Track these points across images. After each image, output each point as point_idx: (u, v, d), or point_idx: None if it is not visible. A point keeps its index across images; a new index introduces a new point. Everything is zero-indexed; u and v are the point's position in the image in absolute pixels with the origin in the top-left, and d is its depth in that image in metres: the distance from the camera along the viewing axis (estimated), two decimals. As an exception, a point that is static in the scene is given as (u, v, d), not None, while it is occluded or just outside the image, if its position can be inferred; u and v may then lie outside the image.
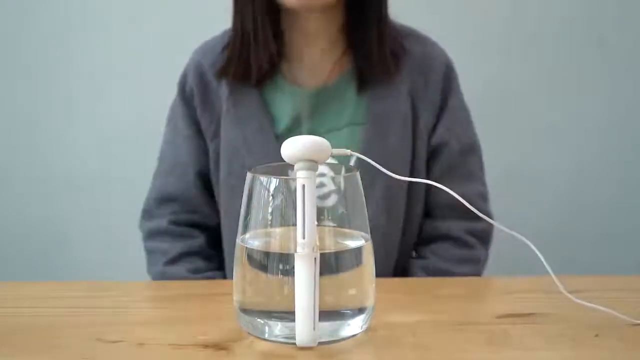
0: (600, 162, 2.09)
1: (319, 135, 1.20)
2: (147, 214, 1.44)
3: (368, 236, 0.92)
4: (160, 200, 1.41)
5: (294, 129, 1.28)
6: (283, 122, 1.29)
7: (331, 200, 1.03)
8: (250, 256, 0.90)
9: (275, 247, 0.89)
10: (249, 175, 0.92)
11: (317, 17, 1.28)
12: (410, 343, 0.92)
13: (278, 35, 1.29)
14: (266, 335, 0.89)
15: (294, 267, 0.85)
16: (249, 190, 0.91)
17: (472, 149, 1.33)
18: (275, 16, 1.28)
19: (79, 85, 2.09)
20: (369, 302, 0.92)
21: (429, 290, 1.11)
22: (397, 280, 1.15)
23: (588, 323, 0.98)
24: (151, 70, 2.03)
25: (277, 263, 0.88)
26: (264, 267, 0.89)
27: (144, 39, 2.06)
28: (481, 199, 1.32)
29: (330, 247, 0.89)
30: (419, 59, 1.32)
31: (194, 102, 1.33)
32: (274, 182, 0.90)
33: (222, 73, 1.31)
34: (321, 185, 1.27)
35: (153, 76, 2.01)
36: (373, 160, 1.14)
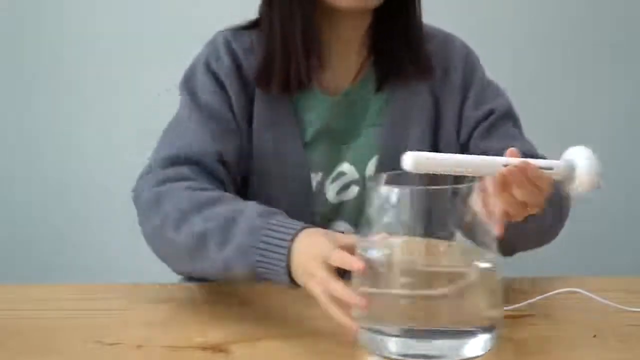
0: (620, 164, 2.09)
1: (342, 141, 1.18)
2: (151, 176, 1.18)
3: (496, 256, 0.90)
4: (172, 161, 1.19)
5: (321, 137, 1.27)
6: (311, 129, 1.28)
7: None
8: (371, 269, 0.87)
9: (398, 259, 0.87)
10: (372, 183, 0.90)
11: (353, 22, 1.27)
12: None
13: (314, 36, 1.27)
14: (385, 352, 0.86)
15: (414, 281, 0.84)
16: (372, 199, 0.89)
17: (509, 117, 1.29)
18: (312, 18, 1.26)
19: (86, 87, 2.08)
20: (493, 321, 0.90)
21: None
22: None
23: (586, 324, 0.98)
24: (159, 70, 2.02)
25: (400, 276, 0.86)
26: (384, 281, 0.87)
27: (152, 38, 2.06)
28: (535, 154, 1.27)
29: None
30: (436, 53, 1.31)
31: (224, 79, 1.26)
32: (397, 192, 0.87)
33: (261, 83, 1.28)
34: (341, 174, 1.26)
35: (161, 77, 2.01)
36: (392, 159, 1.11)
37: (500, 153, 1.24)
